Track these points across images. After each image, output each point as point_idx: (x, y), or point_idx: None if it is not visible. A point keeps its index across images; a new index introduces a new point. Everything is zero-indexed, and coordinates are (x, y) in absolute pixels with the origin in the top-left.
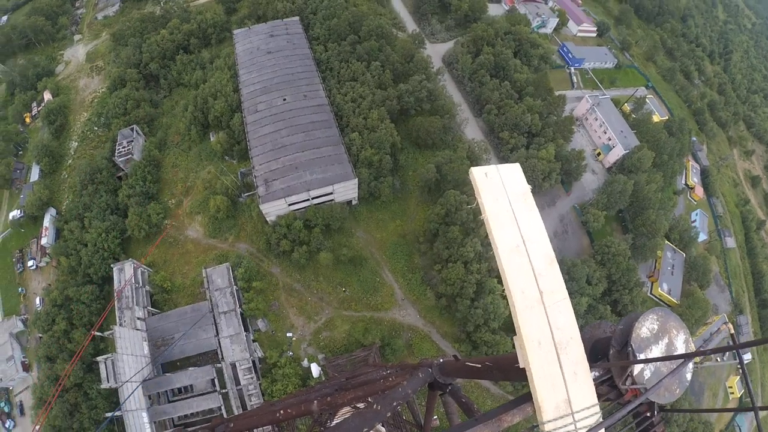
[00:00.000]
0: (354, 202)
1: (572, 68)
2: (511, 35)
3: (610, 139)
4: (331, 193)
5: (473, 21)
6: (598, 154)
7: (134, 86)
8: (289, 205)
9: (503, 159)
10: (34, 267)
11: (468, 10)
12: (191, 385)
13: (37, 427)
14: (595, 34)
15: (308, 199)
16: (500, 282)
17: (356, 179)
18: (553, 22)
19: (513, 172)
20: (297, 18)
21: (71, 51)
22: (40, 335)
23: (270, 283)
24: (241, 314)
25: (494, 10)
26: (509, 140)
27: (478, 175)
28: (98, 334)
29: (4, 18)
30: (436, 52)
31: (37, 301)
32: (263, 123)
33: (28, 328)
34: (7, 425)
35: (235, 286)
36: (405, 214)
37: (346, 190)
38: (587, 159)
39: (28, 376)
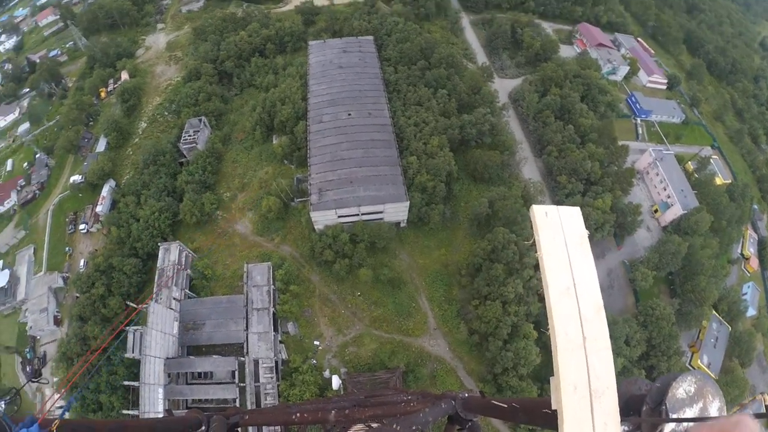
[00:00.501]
0: (402, 225)
1: (638, 119)
2: (580, 79)
3: (669, 197)
4: (382, 212)
5: (543, 60)
6: (656, 210)
7: (208, 80)
8: (339, 216)
9: (558, 203)
10: (85, 231)
11: (539, 49)
12: (211, 373)
13: (55, 379)
14: (665, 87)
15: (358, 214)
16: (536, 328)
17: (408, 202)
18: (624, 70)
19: (573, 215)
20: (371, 37)
21: (153, 38)
22: (77, 295)
23: (307, 289)
24: (274, 314)
25: (566, 52)
26: (566, 185)
27: (539, 213)
28: (132, 305)
29: None
30: (503, 87)
31: (81, 263)
32: (326, 134)
33: (68, 286)
34: (27, 370)
35: (272, 286)
36: (451, 244)
37: (397, 212)
38: (643, 214)
39: (57, 330)
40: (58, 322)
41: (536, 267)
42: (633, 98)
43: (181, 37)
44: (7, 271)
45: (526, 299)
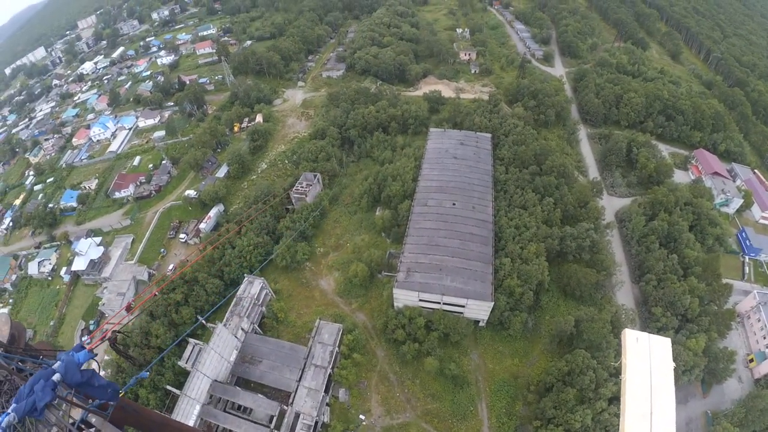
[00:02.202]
0: (481, 324)
1: (747, 257)
2: (691, 207)
3: None
4: (463, 306)
5: (656, 183)
6: (751, 360)
7: (331, 142)
8: (420, 300)
9: None
10: (184, 240)
11: (653, 170)
12: (251, 410)
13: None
14: None
15: (439, 303)
16: None
17: (492, 303)
18: (737, 203)
19: (663, 346)
20: (489, 135)
21: (291, 92)
22: (156, 293)
23: (369, 362)
24: (330, 375)
25: (679, 177)
26: (660, 318)
27: (630, 337)
28: (202, 321)
29: (249, 42)
30: (611, 204)
31: (170, 266)
32: (427, 217)
33: (150, 282)
34: (83, 339)
35: (337, 348)
36: (526, 356)
37: (479, 309)
38: (737, 363)
39: (126, 316)
40: (129, 309)
41: (611, 400)
42: (744, 234)
43: (317, 98)
44: (101, 249)
45: None
